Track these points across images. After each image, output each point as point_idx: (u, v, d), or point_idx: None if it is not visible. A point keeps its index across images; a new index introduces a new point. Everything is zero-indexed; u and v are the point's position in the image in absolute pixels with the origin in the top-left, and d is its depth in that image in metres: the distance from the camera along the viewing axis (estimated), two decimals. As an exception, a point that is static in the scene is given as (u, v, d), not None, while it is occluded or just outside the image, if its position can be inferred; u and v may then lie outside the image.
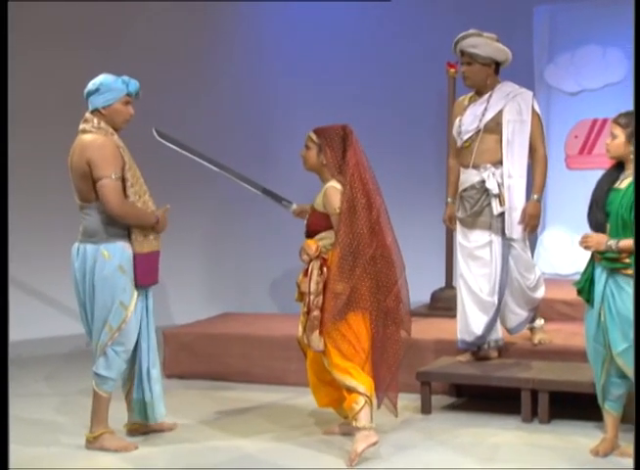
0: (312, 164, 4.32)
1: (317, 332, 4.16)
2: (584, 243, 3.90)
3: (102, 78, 4.24)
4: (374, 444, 4.09)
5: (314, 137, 4.31)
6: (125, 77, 4.27)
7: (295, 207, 4.67)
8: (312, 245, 4.22)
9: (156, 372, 4.36)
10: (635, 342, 3.69)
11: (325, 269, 4.18)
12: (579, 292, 4.04)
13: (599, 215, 3.93)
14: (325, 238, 4.24)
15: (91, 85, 4.24)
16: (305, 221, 4.37)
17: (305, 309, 4.19)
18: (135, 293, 4.21)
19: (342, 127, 4.29)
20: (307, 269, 4.23)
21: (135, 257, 4.17)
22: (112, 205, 4.10)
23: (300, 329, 4.31)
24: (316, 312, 4.15)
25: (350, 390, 4.12)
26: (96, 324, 4.21)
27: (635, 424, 3.51)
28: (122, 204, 4.13)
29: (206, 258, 7.51)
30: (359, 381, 4.12)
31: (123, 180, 4.15)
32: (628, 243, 3.78)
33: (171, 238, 7.11)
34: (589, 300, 4.00)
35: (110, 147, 4.15)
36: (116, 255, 4.15)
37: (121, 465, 4.13)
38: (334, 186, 4.23)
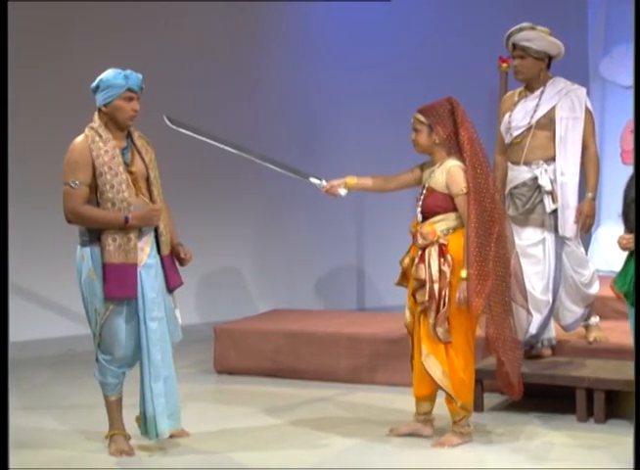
0: (425, 145, 4.14)
1: (447, 324, 4.04)
2: (628, 244, 3.79)
3: (103, 75, 4.00)
4: (466, 442, 4.23)
5: (422, 118, 4.12)
6: (128, 71, 3.99)
7: (324, 183, 4.44)
8: (431, 230, 4.06)
9: (158, 387, 4.02)
10: (635, 342, 3.64)
11: (449, 257, 4.02)
12: (626, 295, 3.93)
13: None
14: (442, 221, 4.08)
15: (94, 83, 4.02)
16: (420, 203, 4.15)
17: (427, 297, 4.02)
18: (108, 301, 3.97)
19: (449, 101, 4.11)
20: (423, 255, 4.05)
21: (104, 266, 3.93)
22: (65, 212, 3.98)
23: (408, 314, 4.22)
24: (446, 305, 4.01)
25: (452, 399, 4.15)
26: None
27: (635, 423, 3.43)
28: (75, 211, 3.93)
29: (257, 254, 7.52)
30: (462, 397, 4.13)
31: (96, 186, 3.95)
32: None
33: (221, 234, 7.24)
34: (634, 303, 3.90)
35: (77, 152, 3.95)
36: (89, 259, 3.99)
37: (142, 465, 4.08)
38: (458, 165, 4.06)
